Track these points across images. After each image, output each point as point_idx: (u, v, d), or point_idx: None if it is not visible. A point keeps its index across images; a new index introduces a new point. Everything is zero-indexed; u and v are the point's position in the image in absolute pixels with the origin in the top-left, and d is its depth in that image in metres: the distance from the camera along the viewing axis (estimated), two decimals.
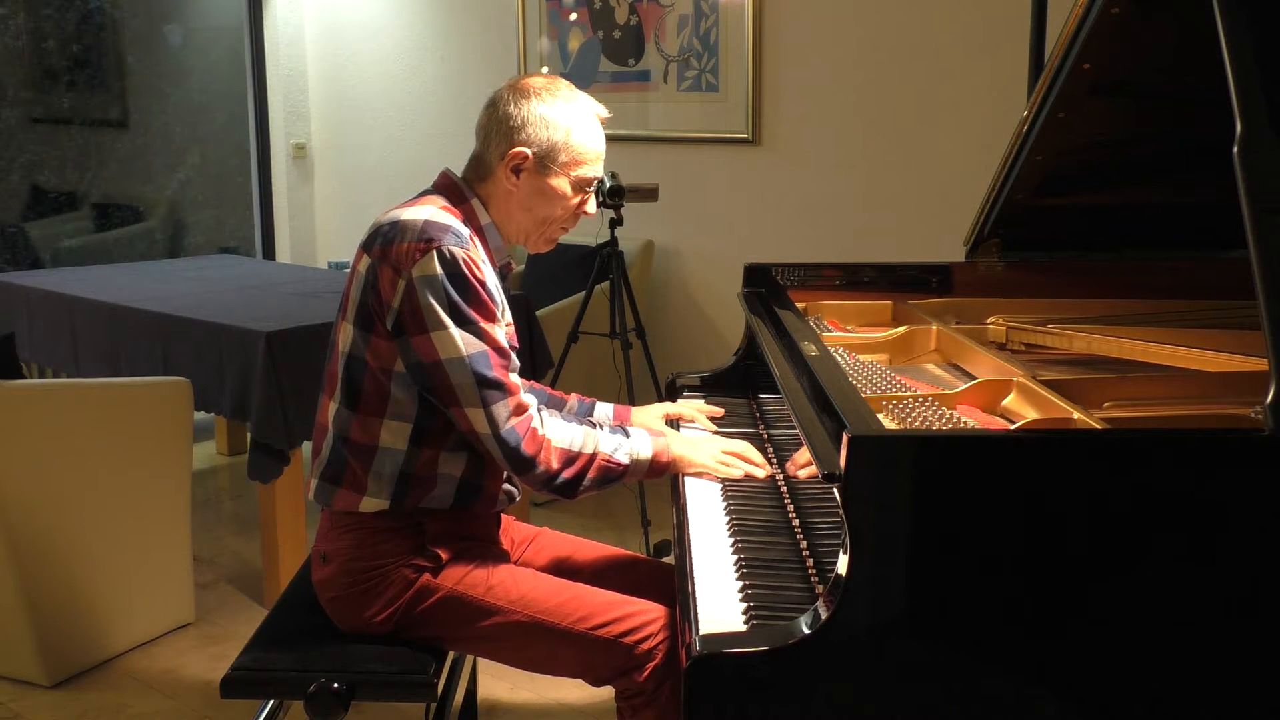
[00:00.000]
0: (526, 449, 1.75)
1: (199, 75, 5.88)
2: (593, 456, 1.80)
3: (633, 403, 2.25)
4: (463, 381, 1.72)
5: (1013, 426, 1.63)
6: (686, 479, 1.90)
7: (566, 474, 1.78)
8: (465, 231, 1.78)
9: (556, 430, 1.80)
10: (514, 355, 1.81)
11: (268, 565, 3.23)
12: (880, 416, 1.55)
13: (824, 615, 1.27)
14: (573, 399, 2.18)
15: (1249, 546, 1.27)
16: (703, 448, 1.93)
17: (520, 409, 1.76)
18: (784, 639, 1.28)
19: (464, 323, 1.72)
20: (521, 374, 2.13)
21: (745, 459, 1.93)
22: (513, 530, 2.06)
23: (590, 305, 3.69)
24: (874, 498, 1.28)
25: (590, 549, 2.07)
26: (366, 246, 1.79)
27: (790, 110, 4.21)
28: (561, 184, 1.85)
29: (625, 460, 1.83)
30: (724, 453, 1.93)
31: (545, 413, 1.83)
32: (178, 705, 2.74)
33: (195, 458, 3.43)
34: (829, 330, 2.25)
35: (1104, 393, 1.71)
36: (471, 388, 1.72)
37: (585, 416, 2.15)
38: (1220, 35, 1.41)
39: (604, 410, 2.17)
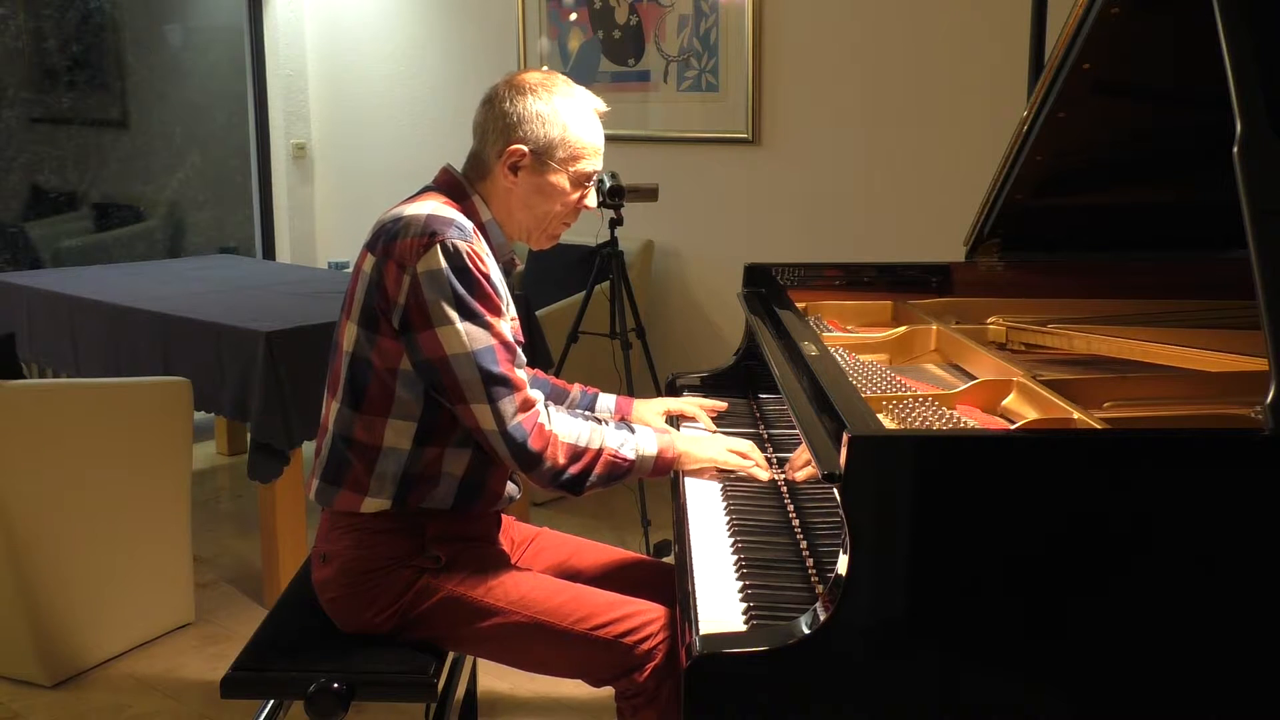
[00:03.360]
0: (533, 445, 1.74)
1: (199, 75, 5.88)
2: (599, 452, 1.80)
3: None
4: (469, 377, 1.72)
5: (1013, 426, 1.63)
6: (687, 479, 1.90)
7: (573, 470, 1.78)
8: (469, 225, 1.78)
9: (563, 426, 1.79)
10: (520, 350, 1.80)
11: (268, 565, 3.23)
12: (880, 416, 1.55)
13: (824, 615, 1.27)
14: (576, 389, 2.18)
15: (1249, 546, 1.27)
16: (707, 445, 1.93)
17: (527, 404, 1.76)
18: (784, 639, 1.28)
19: (469, 316, 1.72)
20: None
21: (749, 457, 1.93)
22: (513, 531, 2.05)
23: (590, 305, 3.69)
24: (874, 498, 1.28)
25: (590, 549, 2.07)
26: (370, 246, 1.79)
27: (790, 110, 4.20)
28: (560, 180, 1.85)
29: (631, 456, 1.83)
30: (728, 450, 1.93)
31: (552, 408, 1.82)
32: (178, 705, 2.74)
33: (195, 458, 3.42)
34: (829, 330, 2.25)
35: (1104, 393, 1.71)
36: (477, 383, 1.72)
37: (587, 408, 2.15)
38: (1220, 35, 1.41)
39: (606, 401, 2.17)
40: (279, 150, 5.78)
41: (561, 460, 1.77)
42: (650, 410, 2.16)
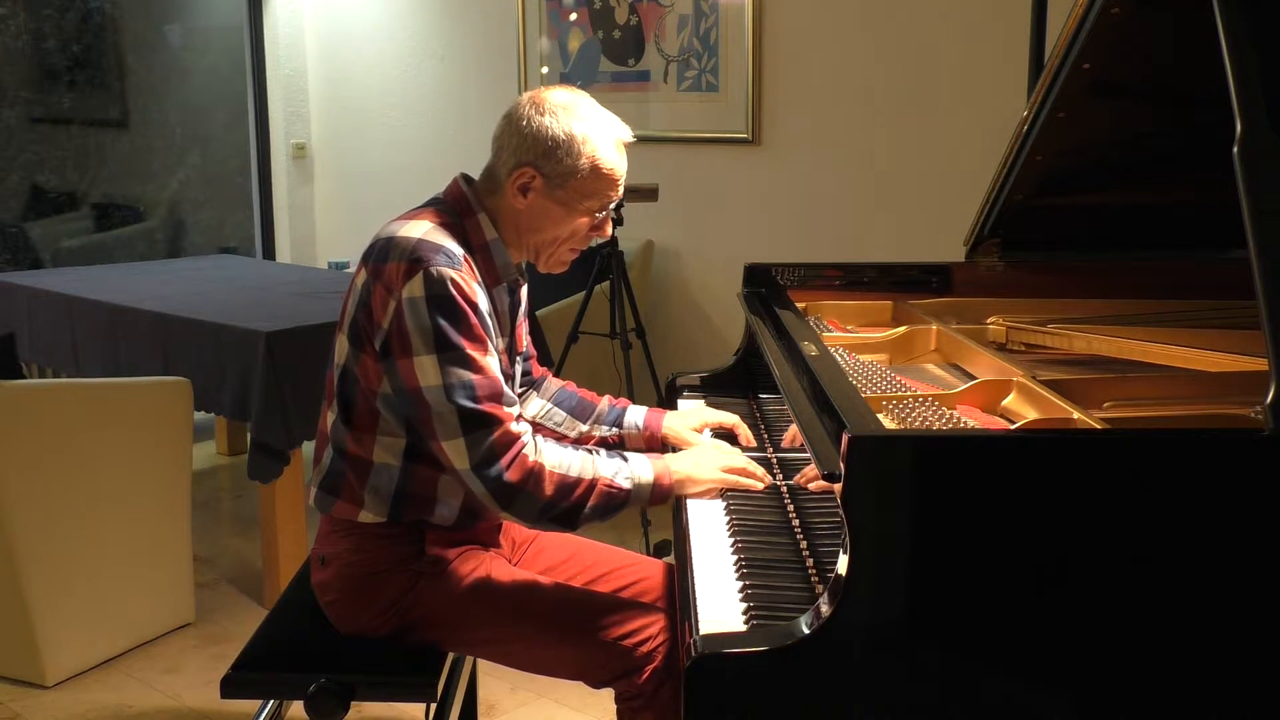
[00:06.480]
0: (510, 478, 1.65)
1: (199, 75, 5.88)
2: (593, 483, 1.70)
3: (632, 401, 2.21)
4: (441, 411, 1.65)
5: (1013, 426, 1.63)
6: None
7: (564, 503, 1.69)
8: (458, 252, 1.71)
9: (553, 456, 1.71)
10: (506, 386, 1.71)
11: (268, 565, 3.23)
12: (880, 416, 1.55)
13: (824, 615, 1.27)
14: (604, 402, 2.11)
15: (1249, 546, 1.27)
16: (705, 465, 1.83)
17: (507, 439, 1.66)
18: (784, 639, 1.28)
19: (448, 349, 1.65)
20: (526, 376, 2.11)
21: (748, 473, 1.84)
22: (513, 531, 2.05)
23: (590, 305, 3.69)
24: (874, 498, 1.28)
25: (590, 550, 2.06)
26: (365, 259, 1.75)
27: (790, 110, 4.20)
28: (570, 208, 1.78)
29: (627, 485, 1.73)
30: (727, 460, 1.85)
31: (540, 438, 1.74)
32: (178, 705, 2.74)
33: (195, 458, 3.42)
34: (829, 330, 2.25)
35: (1104, 393, 1.71)
36: (451, 417, 1.65)
37: (614, 423, 2.09)
38: (1220, 35, 1.41)
39: (635, 415, 2.09)
40: (279, 150, 5.78)
41: (548, 492, 1.68)
42: (684, 424, 2.06)
